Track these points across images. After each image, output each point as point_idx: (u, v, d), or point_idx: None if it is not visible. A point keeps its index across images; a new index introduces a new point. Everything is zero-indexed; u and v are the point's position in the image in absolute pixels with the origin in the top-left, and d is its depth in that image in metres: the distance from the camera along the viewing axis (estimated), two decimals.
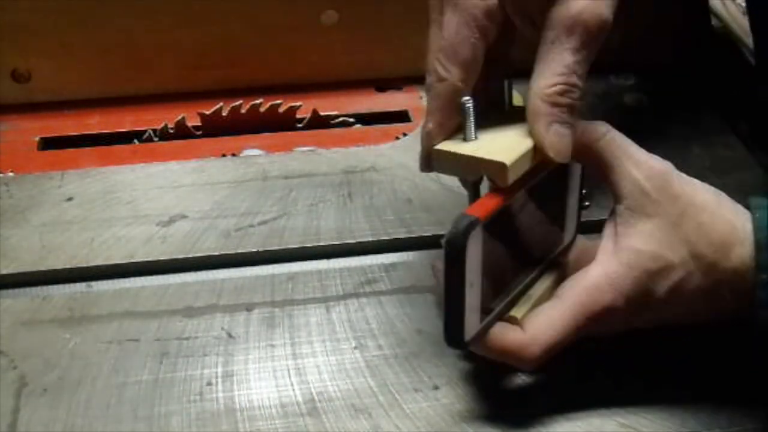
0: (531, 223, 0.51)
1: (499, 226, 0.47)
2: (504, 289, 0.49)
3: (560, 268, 0.53)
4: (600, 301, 0.48)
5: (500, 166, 0.46)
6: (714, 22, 0.85)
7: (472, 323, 0.47)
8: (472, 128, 0.48)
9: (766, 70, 0.69)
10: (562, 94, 0.47)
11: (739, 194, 0.65)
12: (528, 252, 0.51)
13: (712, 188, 0.50)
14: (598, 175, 0.50)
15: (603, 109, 0.75)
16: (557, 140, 0.47)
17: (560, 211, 0.53)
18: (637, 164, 0.49)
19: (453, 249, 0.44)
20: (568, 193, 0.52)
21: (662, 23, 0.79)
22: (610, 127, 0.50)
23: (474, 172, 0.48)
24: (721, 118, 0.74)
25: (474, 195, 0.50)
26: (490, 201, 0.46)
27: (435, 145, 0.49)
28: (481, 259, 0.45)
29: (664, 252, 0.48)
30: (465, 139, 0.48)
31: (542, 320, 0.48)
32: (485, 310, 0.47)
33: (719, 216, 0.48)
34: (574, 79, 0.47)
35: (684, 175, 0.50)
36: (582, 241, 0.54)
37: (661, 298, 0.48)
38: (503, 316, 0.49)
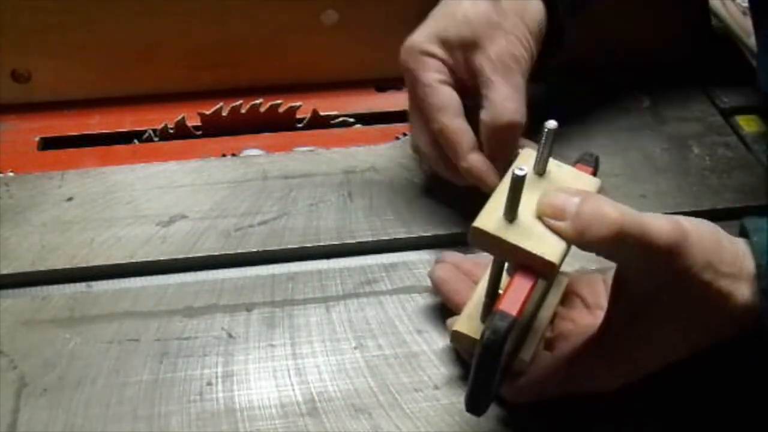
0: None
1: None
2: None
3: (559, 287, 0.54)
4: (592, 375, 0.48)
5: (548, 265, 0.43)
6: (714, 22, 0.85)
7: (494, 392, 0.46)
8: (519, 202, 0.44)
9: (766, 68, 0.69)
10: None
11: (740, 194, 0.66)
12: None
13: (713, 231, 0.46)
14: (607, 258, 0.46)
15: (603, 109, 0.75)
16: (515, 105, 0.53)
17: None
18: (652, 249, 0.43)
19: (492, 353, 0.42)
20: None
21: (662, 23, 0.79)
22: (620, 211, 0.43)
23: (515, 259, 0.44)
24: (722, 118, 0.74)
25: (498, 267, 0.49)
26: (521, 290, 0.43)
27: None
28: (510, 343, 0.44)
29: (665, 350, 0.47)
30: (506, 216, 0.44)
31: (536, 376, 0.49)
32: (504, 366, 0.47)
33: (722, 272, 0.45)
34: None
35: (688, 227, 0.44)
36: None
37: (661, 354, 0.47)
38: (515, 359, 0.49)
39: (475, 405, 0.46)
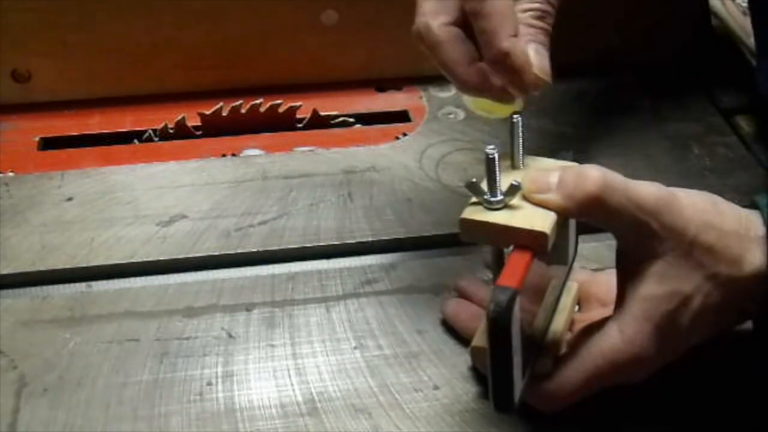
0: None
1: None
2: (532, 333, 0.48)
3: (572, 291, 0.53)
4: (618, 362, 0.46)
5: (540, 236, 0.44)
6: (714, 22, 0.85)
7: (517, 383, 0.45)
8: (499, 184, 0.46)
9: (765, 69, 0.69)
10: (538, 18, 0.48)
11: (739, 194, 0.66)
12: (541, 286, 0.50)
13: (707, 196, 0.48)
14: (600, 224, 0.47)
15: (603, 109, 0.75)
16: (539, 59, 0.48)
17: (564, 236, 0.50)
18: (641, 206, 0.45)
19: (499, 327, 0.42)
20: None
21: (662, 23, 0.79)
22: (602, 170, 0.46)
23: (507, 241, 0.45)
24: (722, 118, 0.74)
25: (498, 255, 0.49)
26: (518, 264, 0.44)
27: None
28: (519, 323, 0.44)
29: (678, 287, 0.46)
30: (490, 202, 0.46)
31: (562, 378, 0.47)
32: (524, 364, 0.46)
33: (726, 231, 0.46)
34: (549, 7, 0.49)
35: (678, 191, 0.47)
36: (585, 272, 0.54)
37: (685, 328, 0.46)
38: (536, 364, 0.48)
39: (501, 399, 0.45)
